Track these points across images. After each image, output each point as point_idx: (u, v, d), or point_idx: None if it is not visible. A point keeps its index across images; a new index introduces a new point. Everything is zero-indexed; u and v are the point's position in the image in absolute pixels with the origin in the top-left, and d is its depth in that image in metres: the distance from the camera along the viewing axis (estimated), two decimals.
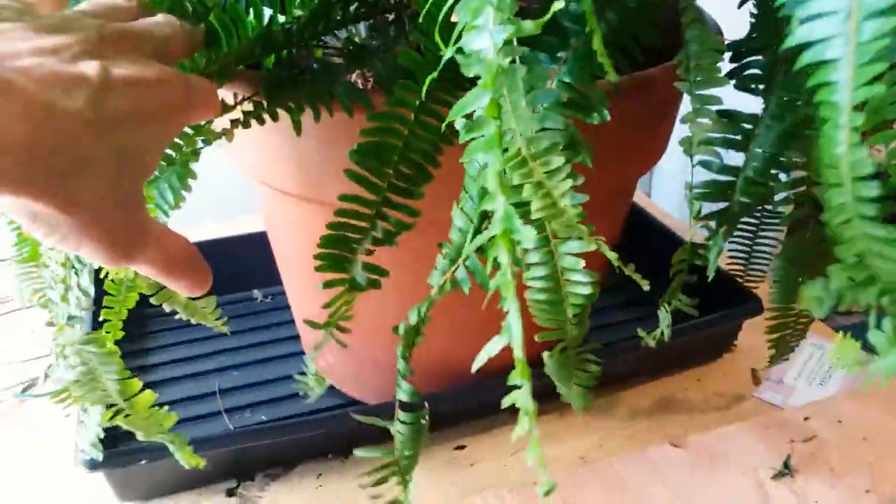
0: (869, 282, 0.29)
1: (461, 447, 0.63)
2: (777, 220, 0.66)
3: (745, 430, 0.63)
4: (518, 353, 0.25)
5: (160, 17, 0.37)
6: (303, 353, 0.72)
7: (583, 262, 0.35)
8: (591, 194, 0.36)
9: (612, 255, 0.33)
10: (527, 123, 0.30)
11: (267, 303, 0.81)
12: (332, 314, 0.41)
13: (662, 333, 0.50)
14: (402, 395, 0.38)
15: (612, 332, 0.75)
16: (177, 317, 0.55)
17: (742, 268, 0.69)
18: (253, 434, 0.59)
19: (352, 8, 0.46)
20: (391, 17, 0.51)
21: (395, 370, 0.43)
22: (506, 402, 0.27)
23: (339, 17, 0.46)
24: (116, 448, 0.55)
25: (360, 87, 0.51)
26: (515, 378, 0.26)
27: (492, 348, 0.26)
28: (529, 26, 0.24)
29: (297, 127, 0.41)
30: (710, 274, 0.44)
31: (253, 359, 0.73)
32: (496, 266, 0.26)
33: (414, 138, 0.37)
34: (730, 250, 0.69)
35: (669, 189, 1.28)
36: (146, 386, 0.50)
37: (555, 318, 0.37)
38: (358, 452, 0.40)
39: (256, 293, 0.82)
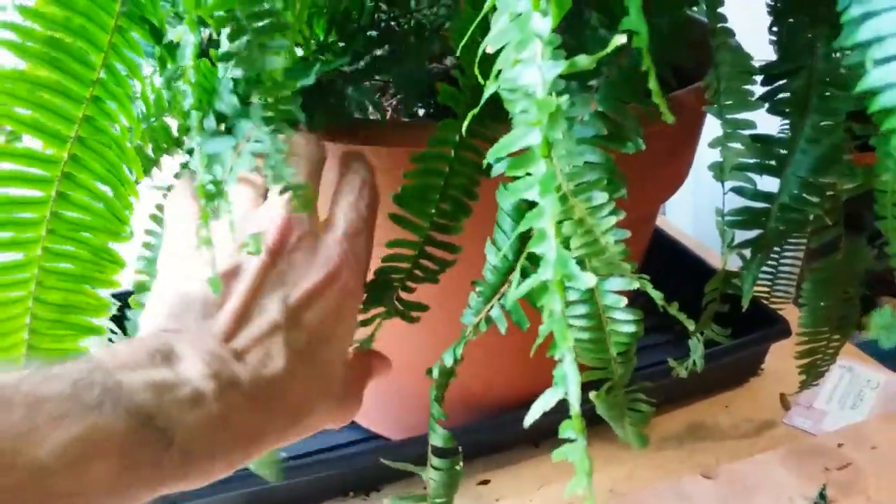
0: None
1: (485, 482, 0.61)
2: (801, 241, 0.64)
3: (777, 458, 0.61)
4: (575, 406, 0.24)
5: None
6: None
7: (625, 301, 0.34)
8: (637, 211, 0.35)
9: (656, 295, 0.32)
10: (567, 159, 0.28)
11: None
12: (367, 341, 0.40)
13: (695, 363, 0.48)
14: (437, 441, 0.36)
15: (638, 359, 0.73)
16: None
17: (767, 290, 0.68)
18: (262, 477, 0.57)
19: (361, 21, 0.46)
20: (412, 38, 0.50)
21: (418, 403, 0.42)
22: (557, 455, 0.25)
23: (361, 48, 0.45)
24: None
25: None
26: (569, 431, 0.25)
27: (547, 401, 0.24)
28: (585, 62, 0.23)
29: None
30: (745, 304, 0.42)
31: None
32: (548, 312, 0.25)
33: (454, 175, 0.36)
34: None
35: (682, 205, 1.26)
36: None
37: (599, 357, 0.36)
38: (389, 501, 0.39)
39: None
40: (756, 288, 0.68)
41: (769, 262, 0.67)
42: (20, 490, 0.26)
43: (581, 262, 0.33)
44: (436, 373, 0.36)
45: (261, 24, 0.31)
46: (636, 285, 0.32)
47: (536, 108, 0.23)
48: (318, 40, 0.48)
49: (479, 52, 0.26)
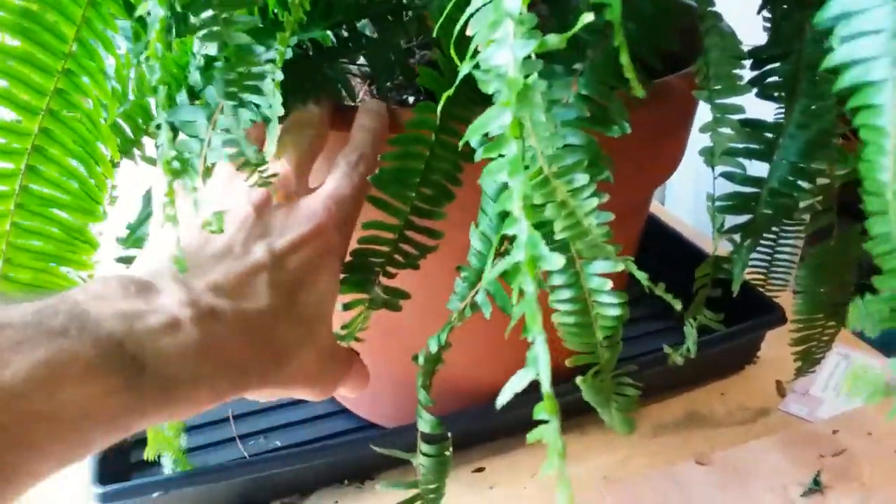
0: None
1: (480, 469, 0.61)
2: (798, 228, 0.64)
3: (772, 445, 0.61)
4: (546, 386, 0.24)
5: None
6: None
7: (610, 283, 0.34)
8: (613, 206, 0.35)
9: (641, 276, 0.32)
10: (548, 141, 0.28)
11: None
12: (350, 327, 0.40)
13: (688, 350, 0.48)
14: (424, 427, 0.36)
15: (633, 346, 0.73)
16: None
17: (763, 277, 0.68)
18: (267, 462, 0.58)
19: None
20: (389, 17, 0.50)
21: (411, 391, 0.42)
22: (531, 437, 0.25)
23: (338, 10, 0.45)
24: (129, 481, 0.54)
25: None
26: (542, 412, 0.24)
27: (518, 383, 0.24)
28: (554, 40, 0.23)
29: None
30: (735, 289, 0.42)
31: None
32: (520, 293, 0.25)
33: (435, 159, 0.36)
34: (750, 259, 0.68)
35: (682, 194, 1.26)
36: None
37: (585, 342, 0.36)
38: (381, 486, 0.39)
39: None
40: (752, 275, 0.68)
41: (765, 250, 0.67)
42: None
43: (566, 245, 0.33)
44: (421, 359, 0.36)
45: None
46: (621, 267, 0.32)
47: (507, 88, 0.23)
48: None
49: (456, 31, 0.26)
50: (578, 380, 0.37)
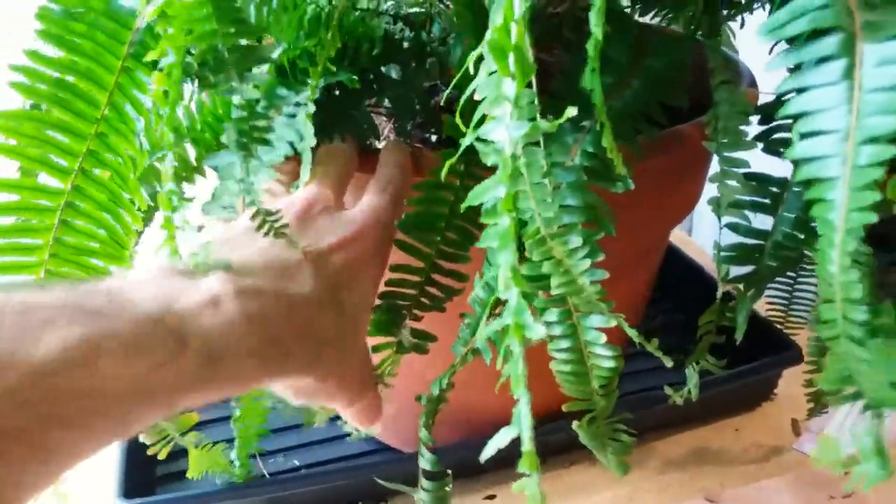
0: (856, 396, 0.29)
1: (491, 497, 0.62)
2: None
3: (782, 485, 0.61)
4: (527, 445, 0.25)
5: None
6: None
7: (604, 337, 0.35)
8: (626, 250, 0.36)
9: (632, 333, 0.33)
10: (545, 205, 0.30)
11: None
12: (380, 371, 0.42)
13: (690, 392, 0.49)
14: (425, 465, 0.38)
15: (646, 379, 0.74)
16: None
17: (782, 314, 0.68)
18: (286, 482, 0.60)
19: (375, 51, 0.48)
20: (413, 63, 0.52)
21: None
22: (516, 488, 0.27)
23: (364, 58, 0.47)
24: (154, 495, 0.56)
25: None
26: (524, 467, 0.26)
27: (501, 440, 0.26)
28: (545, 126, 0.24)
29: None
30: (739, 337, 0.43)
31: (288, 401, 0.73)
32: (508, 353, 0.26)
33: (459, 204, 0.38)
34: (769, 296, 0.68)
35: (710, 222, 1.26)
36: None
37: (581, 389, 0.37)
38: None
39: None
40: (771, 313, 0.68)
41: (784, 287, 0.67)
42: (23, 390, 0.26)
43: (563, 299, 0.34)
44: (424, 400, 0.38)
45: (240, 55, 0.33)
46: (613, 323, 0.34)
47: (501, 165, 0.25)
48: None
49: (464, 97, 0.28)
50: (575, 425, 0.38)
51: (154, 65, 0.37)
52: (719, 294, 0.44)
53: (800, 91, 0.24)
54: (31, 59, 0.34)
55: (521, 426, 0.25)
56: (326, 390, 0.38)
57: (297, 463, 0.66)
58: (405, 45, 0.49)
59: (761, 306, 0.69)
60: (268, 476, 0.64)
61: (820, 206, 0.23)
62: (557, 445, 0.65)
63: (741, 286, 0.43)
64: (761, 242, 0.41)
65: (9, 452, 0.26)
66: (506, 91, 0.25)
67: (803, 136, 0.23)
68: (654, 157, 0.43)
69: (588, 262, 0.31)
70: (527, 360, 0.25)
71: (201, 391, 0.31)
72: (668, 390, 0.51)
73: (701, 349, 0.47)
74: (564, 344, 0.36)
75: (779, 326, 0.68)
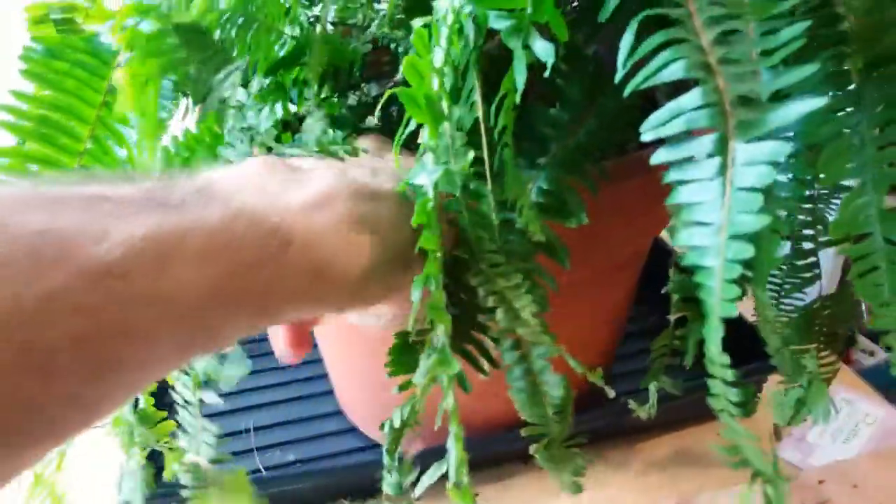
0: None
1: (475, 495, 0.65)
2: (806, 276, 0.65)
3: (755, 491, 0.63)
4: (453, 479, 0.28)
5: None
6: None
7: (551, 367, 0.37)
8: (600, 267, 0.38)
9: (575, 364, 0.35)
10: (485, 243, 0.32)
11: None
12: (408, 417, 0.42)
13: (652, 408, 0.51)
14: (388, 489, 0.40)
15: (631, 382, 0.76)
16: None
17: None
18: (276, 480, 0.63)
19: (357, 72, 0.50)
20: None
21: (421, 415, 0.44)
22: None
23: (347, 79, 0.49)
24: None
25: None
26: (456, 500, 0.28)
27: (433, 475, 0.28)
28: (456, 171, 0.26)
29: None
30: (688, 363, 0.45)
31: (287, 396, 0.76)
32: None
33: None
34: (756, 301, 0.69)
35: None
36: None
37: (536, 414, 0.39)
38: None
39: None
40: (756, 316, 0.70)
41: (771, 293, 0.69)
42: (77, 292, 0.22)
43: (511, 330, 0.36)
44: (387, 429, 0.39)
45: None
46: (556, 354, 0.36)
47: (419, 209, 0.27)
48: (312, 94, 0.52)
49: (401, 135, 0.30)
50: (533, 449, 0.40)
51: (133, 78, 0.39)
52: (672, 318, 0.46)
53: (679, 182, 0.26)
54: (15, 98, 0.37)
55: (449, 461, 0.27)
56: (398, 315, 0.35)
57: (292, 458, 0.69)
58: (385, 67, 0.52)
59: (749, 311, 0.70)
60: (263, 470, 0.67)
61: (702, 290, 0.25)
62: None
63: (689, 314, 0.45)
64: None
65: (61, 365, 0.22)
66: (426, 141, 0.27)
67: (684, 224, 0.25)
68: (623, 181, 0.45)
69: (529, 298, 0.33)
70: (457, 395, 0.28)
71: (304, 301, 0.28)
72: (632, 404, 0.52)
73: (655, 371, 0.49)
74: (517, 372, 0.37)
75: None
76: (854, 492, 0.63)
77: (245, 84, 0.52)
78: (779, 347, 0.48)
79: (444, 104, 0.27)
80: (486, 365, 0.38)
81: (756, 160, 0.23)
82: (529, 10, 0.27)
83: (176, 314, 0.24)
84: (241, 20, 0.45)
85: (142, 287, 0.23)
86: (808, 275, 0.61)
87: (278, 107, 0.53)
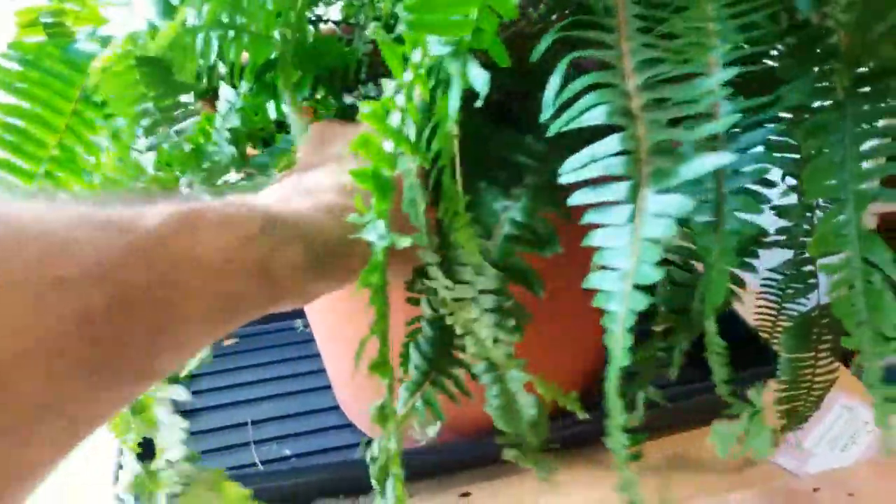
0: None
1: (466, 494, 0.65)
2: (812, 283, 0.65)
3: (749, 498, 0.63)
4: None
5: None
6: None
7: (524, 390, 0.37)
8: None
9: (547, 390, 0.35)
10: (442, 281, 0.32)
11: (307, 333, 0.85)
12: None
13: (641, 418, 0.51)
14: None
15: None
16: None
17: (770, 325, 0.68)
18: (271, 475, 0.64)
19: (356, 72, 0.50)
20: None
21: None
22: None
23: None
24: None
25: None
26: None
27: None
28: (405, 242, 0.26)
29: None
30: (673, 376, 0.45)
31: (287, 390, 0.77)
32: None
33: None
34: (759, 305, 0.68)
35: None
36: (187, 412, 0.60)
37: (513, 429, 0.39)
38: None
39: (298, 323, 0.86)
40: (760, 323, 0.69)
41: (774, 298, 0.68)
42: (147, 250, 0.28)
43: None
44: (369, 457, 0.39)
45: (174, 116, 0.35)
46: (527, 380, 0.36)
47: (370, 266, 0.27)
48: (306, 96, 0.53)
49: None
50: (506, 454, 0.40)
51: (104, 104, 0.40)
52: (657, 329, 0.46)
53: (596, 226, 0.25)
54: None
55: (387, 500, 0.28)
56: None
57: (287, 452, 0.70)
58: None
59: (750, 315, 0.70)
60: (259, 463, 0.68)
61: (608, 334, 0.25)
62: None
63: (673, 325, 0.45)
64: (692, 286, 0.42)
65: (132, 309, 0.27)
66: (373, 206, 0.27)
67: (597, 267, 0.25)
68: None
69: (488, 332, 0.33)
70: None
71: (302, 272, 0.33)
72: None
73: (641, 381, 0.48)
74: (494, 391, 0.37)
75: (766, 336, 0.68)
76: (850, 500, 0.62)
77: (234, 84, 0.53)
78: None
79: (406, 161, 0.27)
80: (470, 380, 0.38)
81: (664, 212, 0.23)
82: (468, 38, 0.27)
83: (208, 274, 0.30)
84: (220, 33, 0.45)
85: (177, 249, 0.29)
86: (809, 282, 0.60)
87: (271, 107, 0.53)
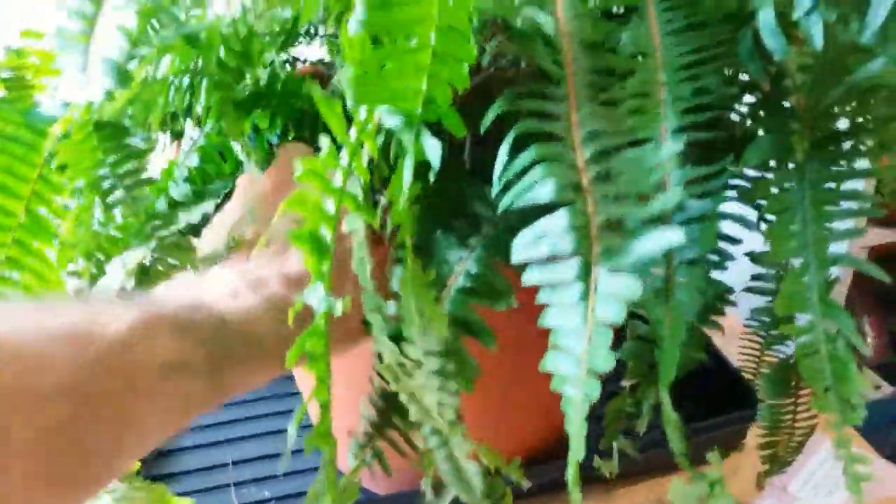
0: None
1: None
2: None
3: None
4: None
5: None
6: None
7: (468, 459, 0.36)
8: None
9: (492, 459, 0.34)
10: (388, 347, 0.31)
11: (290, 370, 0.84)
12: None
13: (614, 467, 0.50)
14: None
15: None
16: None
17: (754, 367, 0.67)
18: None
19: None
20: None
21: (399, 459, 0.44)
22: None
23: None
24: None
25: None
26: None
27: None
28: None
29: None
30: (641, 430, 0.44)
31: (268, 429, 0.76)
32: None
33: None
34: (742, 346, 0.67)
35: None
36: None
37: (465, 494, 0.38)
38: None
39: None
40: (744, 364, 0.68)
41: (757, 340, 0.67)
42: (108, 358, 0.30)
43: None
44: None
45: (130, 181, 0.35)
46: (472, 448, 0.35)
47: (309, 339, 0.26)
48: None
49: None
50: None
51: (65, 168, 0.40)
52: (625, 384, 0.45)
53: (550, 305, 0.25)
54: None
55: None
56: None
57: (267, 494, 0.69)
58: None
59: (734, 355, 0.69)
60: None
61: (567, 421, 0.24)
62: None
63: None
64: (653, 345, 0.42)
65: (99, 416, 0.30)
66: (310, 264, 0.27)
67: (553, 347, 0.24)
68: None
69: (435, 396, 0.32)
70: None
71: (247, 367, 0.36)
72: (597, 462, 0.51)
73: (611, 433, 0.48)
74: (441, 455, 0.37)
75: (750, 377, 0.67)
76: None
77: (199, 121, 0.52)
78: None
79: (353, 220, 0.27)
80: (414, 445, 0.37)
81: (615, 294, 0.22)
82: (419, 110, 0.26)
83: (167, 376, 0.32)
84: (188, 80, 0.45)
85: (139, 356, 0.31)
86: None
87: (238, 147, 0.53)
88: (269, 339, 0.36)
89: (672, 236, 0.23)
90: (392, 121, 0.28)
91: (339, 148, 0.29)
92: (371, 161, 0.32)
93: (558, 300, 0.24)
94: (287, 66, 0.63)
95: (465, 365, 0.34)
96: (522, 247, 0.25)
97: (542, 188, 0.25)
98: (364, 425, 0.38)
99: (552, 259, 0.24)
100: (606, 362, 0.22)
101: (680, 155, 0.31)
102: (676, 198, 0.27)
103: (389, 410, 0.36)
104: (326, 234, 0.27)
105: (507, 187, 0.27)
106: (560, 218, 0.24)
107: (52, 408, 0.28)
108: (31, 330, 0.29)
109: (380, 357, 0.34)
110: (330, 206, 0.28)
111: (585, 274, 0.23)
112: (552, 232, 0.24)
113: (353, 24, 0.25)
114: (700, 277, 0.31)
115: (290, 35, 0.53)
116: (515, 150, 0.30)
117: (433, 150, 0.28)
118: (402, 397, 0.33)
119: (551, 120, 0.30)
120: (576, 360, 0.23)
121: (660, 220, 0.32)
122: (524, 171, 0.28)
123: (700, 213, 0.33)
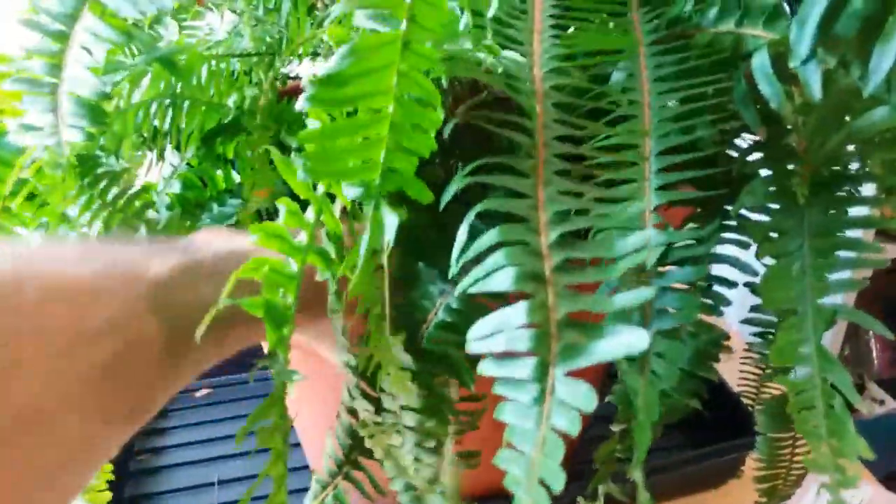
0: None
1: None
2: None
3: None
4: None
5: None
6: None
7: None
8: None
9: None
10: (363, 402, 0.30)
11: None
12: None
13: None
14: None
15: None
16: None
17: (753, 393, 0.66)
18: None
19: None
20: None
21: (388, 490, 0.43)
22: None
23: None
24: None
25: None
26: None
27: None
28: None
29: None
30: (631, 475, 0.42)
31: (254, 447, 0.75)
32: None
33: None
34: (742, 371, 0.66)
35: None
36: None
37: None
38: None
39: None
40: (746, 390, 0.67)
41: (757, 366, 0.65)
42: (152, 298, 0.31)
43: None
44: None
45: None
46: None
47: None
48: None
49: None
50: None
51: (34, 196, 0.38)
52: (615, 429, 0.43)
53: (506, 400, 0.23)
54: None
55: None
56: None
57: None
58: None
59: (734, 370, 0.67)
60: None
61: None
62: None
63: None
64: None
65: (147, 352, 0.30)
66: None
67: (506, 443, 0.22)
68: None
69: (408, 457, 0.31)
70: None
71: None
72: (580, 501, 0.50)
73: (601, 475, 0.46)
74: (404, 499, 0.35)
75: (749, 403, 0.66)
76: None
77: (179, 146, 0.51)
78: None
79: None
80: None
81: (571, 403, 0.21)
82: (378, 182, 0.25)
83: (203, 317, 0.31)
84: (168, 102, 0.44)
85: (182, 297, 0.31)
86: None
87: (219, 174, 0.51)
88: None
89: (636, 342, 0.21)
90: (351, 192, 0.26)
91: (304, 205, 0.27)
92: (344, 209, 0.30)
93: (514, 396, 0.22)
94: (278, 83, 0.61)
95: (443, 421, 0.33)
96: (478, 339, 0.23)
97: (500, 276, 0.23)
98: (328, 463, 0.37)
99: (508, 355, 0.23)
100: (557, 480, 0.20)
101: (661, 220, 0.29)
102: (647, 294, 0.24)
103: (356, 447, 0.35)
104: (287, 300, 0.25)
105: (466, 268, 0.25)
106: (518, 311, 0.22)
107: (107, 342, 0.28)
108: (80, 267, 0.30)
109: (354, 412, 0.32)
110: (293, 266, 0.26)
111: (542, 374, 0.22)
112: (509, 326, 0.22)
113: (301, 101, 0.23)
114: (676, 351, 0.29)
115: (276, 55, 0.52)
116: (479, 221, 0.28)
117: (390, 227, 0.26)
118: (378, 454, 0.31)
119: (516, 198, 0.27)
120: (527, 465, 0.21)
121: (636, 280, 0.30)
122: (485, 254, 0.26)
123: (681, 280, 0.31)
